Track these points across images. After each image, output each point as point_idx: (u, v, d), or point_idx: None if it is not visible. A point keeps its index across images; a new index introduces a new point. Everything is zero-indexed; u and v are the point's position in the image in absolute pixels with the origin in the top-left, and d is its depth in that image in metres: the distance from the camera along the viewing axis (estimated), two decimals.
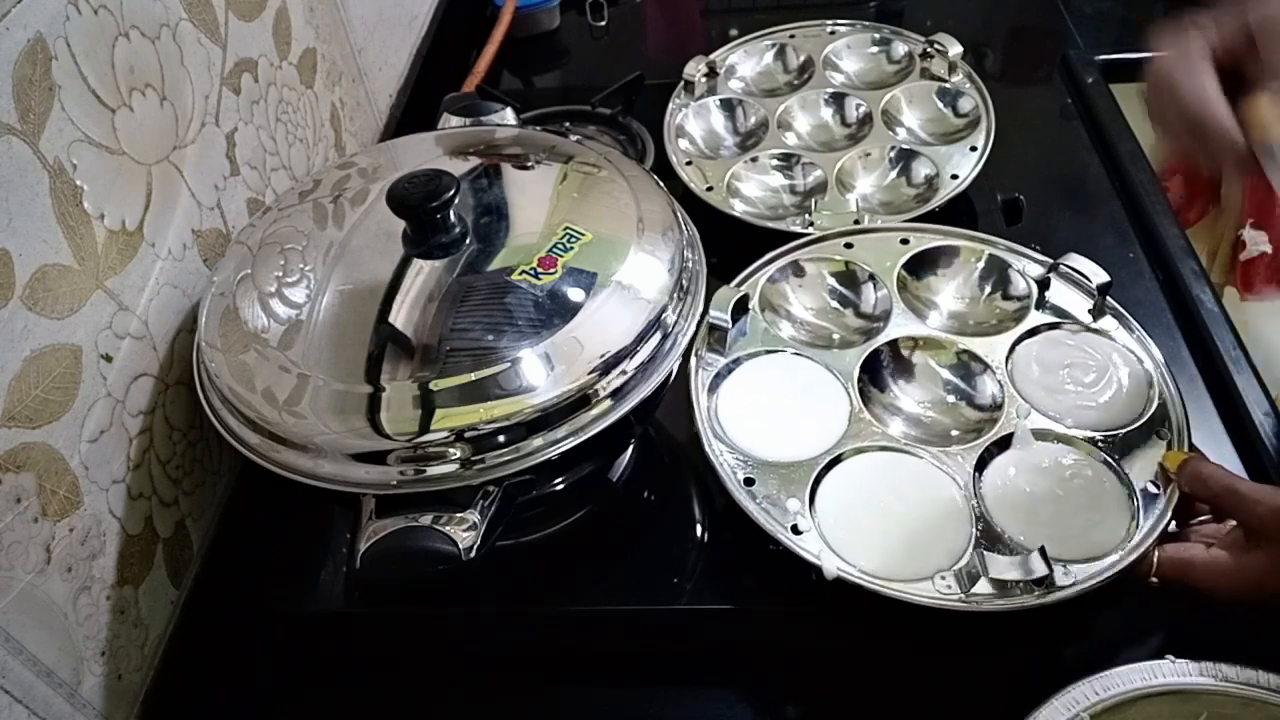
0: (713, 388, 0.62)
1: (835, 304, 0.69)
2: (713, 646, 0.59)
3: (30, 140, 0.45)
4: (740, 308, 0.64)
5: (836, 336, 0.67)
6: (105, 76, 0.50)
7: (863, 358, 0.63)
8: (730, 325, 0.63)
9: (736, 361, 0.63)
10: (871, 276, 0.68)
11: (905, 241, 0.70)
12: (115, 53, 0.51)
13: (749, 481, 0.57)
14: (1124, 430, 0.58)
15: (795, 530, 0.54)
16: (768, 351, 0.64)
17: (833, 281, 0.69)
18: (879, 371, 0.63)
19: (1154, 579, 0.52)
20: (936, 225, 0.71)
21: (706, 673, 0.57)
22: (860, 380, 0.62)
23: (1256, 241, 1.18)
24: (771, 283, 0.69)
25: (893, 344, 0.64)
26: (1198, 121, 0.46)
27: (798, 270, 0.70)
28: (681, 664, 0.58)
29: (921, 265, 0.70)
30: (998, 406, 0.60)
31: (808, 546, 0.53)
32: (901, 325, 0.65)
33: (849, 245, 0.70)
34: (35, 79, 0.45)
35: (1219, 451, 0.62)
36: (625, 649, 0.59)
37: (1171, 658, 0.49)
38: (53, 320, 0.47)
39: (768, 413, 0.61)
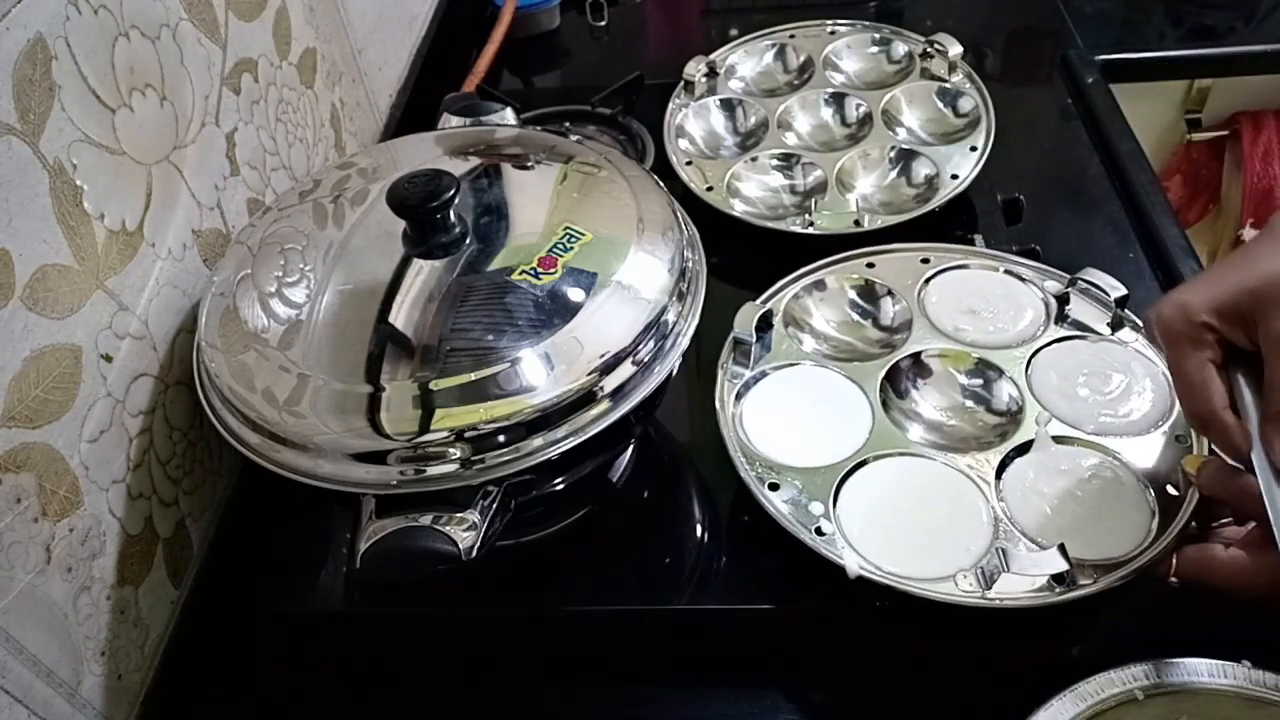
0: (738, 398, 0.62)
1: (856, 317, 0.69)
2: (712, 646, 0.59)
3: (30, 140, 0.45)
4: (764, 323, 0.65)
5: (858, 349, 0.67)
6: (105, 76, 0.50)
7: (885, 369, 0.63)
8: (754, 341, 0.64)
9: (762, 374, 0.64)
10: (890, 291, 0.69)
11: (925, 261, 0.71)
12: (115, 53, 0.51)
13: (774, 487, 0.57)
14: (1144, 435, 0.58)
15: (818, 532, 0.55)
16: (790, 364, 0.65)
17: (853, 294, 0.70)
18: (900, 381, 0.64)
19: (1174, 579, 0.51)
20: (957, 245, 0.72)
21: (706, 673, 0.57)
22: (882, 389, 0.62)
23: None
24: (794, 298, 0.69)
25: (914, 356, 0.64)
26: (1205, 422, 0.48)
27: (819, 284, 0.70)
28: (681, 664, 0.58)
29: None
30: (1017, 413, 0.60)
31: (830, 548, 0.54)
32: (923, 338, 0.65)
33: (871, 265, 0.71)
34: (35, 79, 0.45)
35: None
36: (625, 649, 0.59)
37: (1171, 658, 0.49)
38: (53, 320, 0.47)
39: (791, 421, 0.61)
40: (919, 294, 0.68)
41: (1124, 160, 0.85)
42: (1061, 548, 0.51)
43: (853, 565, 0.52)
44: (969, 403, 0.63)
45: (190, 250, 0.58)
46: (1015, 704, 0.48)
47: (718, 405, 0.61)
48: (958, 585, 0.52)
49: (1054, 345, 0.64)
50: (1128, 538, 0.53)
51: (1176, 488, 0.55)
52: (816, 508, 0.56)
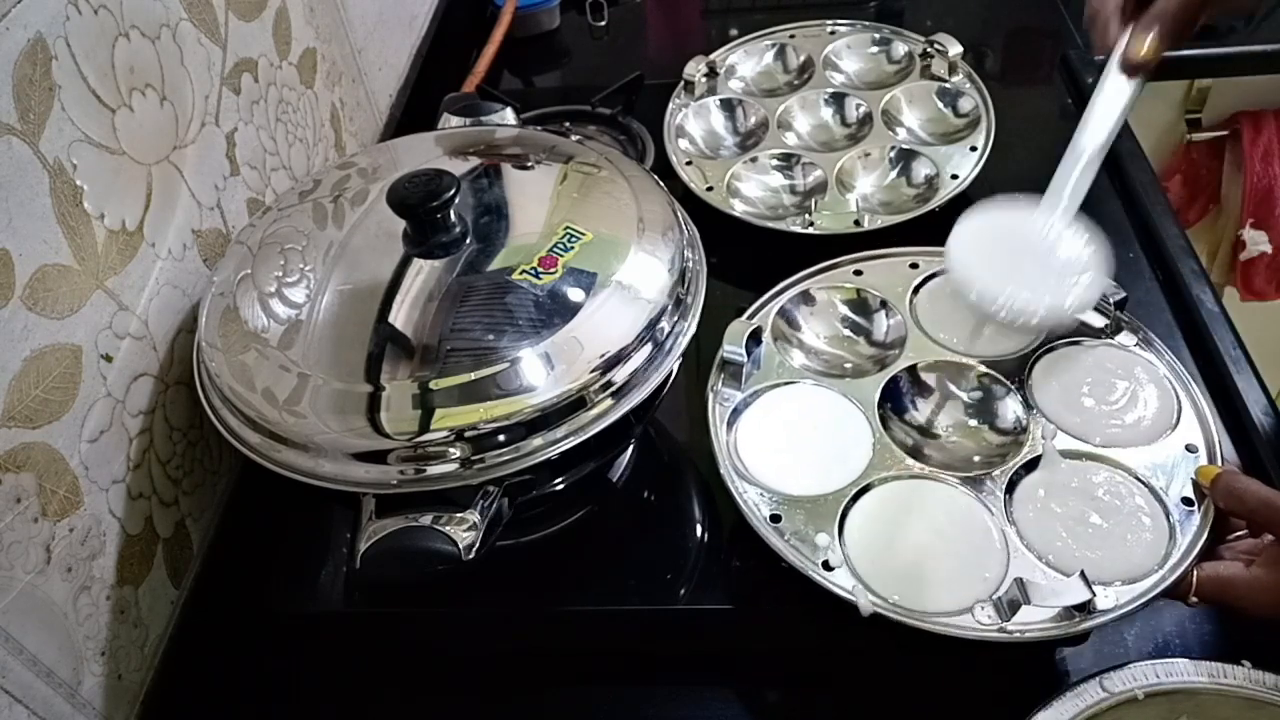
0: (730, 423, 0.60)
1: (848, 331, 0.68)
2: (712, 647, 0.59)
3: (30, 140, 0.45)
4: (753, 341, 0.63)
5: (850, 365, 0.65)
6: (105, 76, 0.50)
7: (881, 385, 0.61)
8: (745, 360, 0.62)
9: (754, 395, 0.62)
10: (883, 303, 0.67)
11: (914, 266, 0.69)
12: (115, 53, 0.51)
13: (775, 518, 0.55)
14: (1153, 444, 0.57)
15: (826, 566, 0.53)
16: (784, 383, 0.63)
17: (844, 309, 0.68)
18: (899, 398, 0.62)
19: (1194, 598, 0.50)
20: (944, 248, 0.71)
21: (706, 673, 0.57)
22: (881, 407, 0.60)
23: (1256, 241, 1.18)
24: (781, 313, 0.67)
25: (911, 369, 0.63)
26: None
27: (808, 299, 0.68)
28: (681, 664, 0.58)
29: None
30: (1022, 429, 0.59)
31: (841, 583, 0.52)
32: (918, 350, 0.63)
33: (858, 273, 0.69)
34: (35, 79, 0.45)
35: None
36: (625, 649, 0.59)
37: (1171, 658, 0.49)
38: (53, 320, 0.47)
39: (789, 445, 0.59)
40: (910, 302, 0.67)
41: (1124, 160, 0.85)
42: (1082, 575, 0.50)
43: (865, 604, 0.50)
44: (972, 421, 0.61)
45: (190, 250, 0.58)
46: (1015, 704, 0.48)
47: (711, 434, 0.59)
48: (975, 617, 0.50)
49: (1052, 352, 0.63)
50: (1145, 556, 0.52)
51: (1189, 501, 0.54)
52: (822, 539, 0.54)
